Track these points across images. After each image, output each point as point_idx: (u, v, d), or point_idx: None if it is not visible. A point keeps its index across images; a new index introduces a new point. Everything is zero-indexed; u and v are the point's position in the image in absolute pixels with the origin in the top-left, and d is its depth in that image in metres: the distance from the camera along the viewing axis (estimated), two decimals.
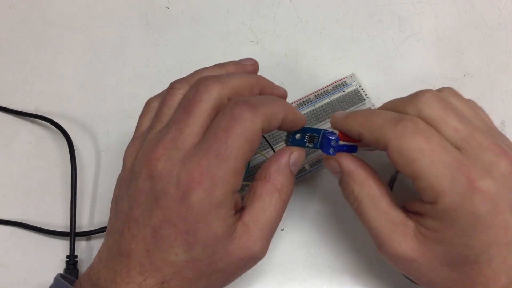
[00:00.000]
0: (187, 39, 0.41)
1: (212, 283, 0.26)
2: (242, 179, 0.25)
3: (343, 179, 0.28)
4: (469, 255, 0.24)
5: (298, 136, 0.29)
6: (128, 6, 0.42)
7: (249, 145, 0.24)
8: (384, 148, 0.25)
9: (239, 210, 0.26)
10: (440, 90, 0.28)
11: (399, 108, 0.27)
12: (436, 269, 0.25)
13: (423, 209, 0.25)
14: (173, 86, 0.28)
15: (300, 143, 0.29)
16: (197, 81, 0.26)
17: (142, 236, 0.24)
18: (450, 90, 0.28)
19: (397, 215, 0.26)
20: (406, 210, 0.26)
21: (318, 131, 0.29)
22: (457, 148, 0.24)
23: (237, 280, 0.34)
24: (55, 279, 0.28)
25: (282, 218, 0.35)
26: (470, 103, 0.28)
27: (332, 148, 0.28)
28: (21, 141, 0.38)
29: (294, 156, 0.27)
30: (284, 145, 0.31)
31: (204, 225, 0.24)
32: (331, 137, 0.28)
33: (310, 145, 0.29)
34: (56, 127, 0.37)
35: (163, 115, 0.27)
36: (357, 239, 0.35)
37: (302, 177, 0.36)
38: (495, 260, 0.24)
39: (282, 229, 0.35)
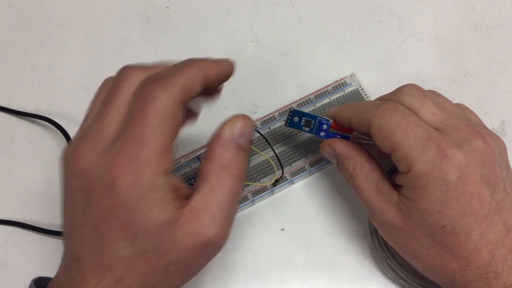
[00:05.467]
0: (187, 39, 0.41)
1: (172, 276, 0.24)
2: (172, 158, 0.23)
3: (338, 161, 0.31)
4: (445, 225, 0.25)
5: (295, 119, 0.32)
6: (128, 6, 0.42)
7: (169, 121, 0.23)
8: (368, 128, 0.28)
9: (186, 196, 0.24)
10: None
11: (384, 99, 0.30)
12: (419, 239, 0.27)
13: (401, 180, 0.27)
14: (125, 73, 0.26)
15: (297, 126, 0.32)
16: (119, 70, 0.25)
17: (85, 237, 0.23)
18: (434, 91, 0.31)
19: (385, 186, 0.28)
20: (395, 184, 0.28)
21: (314, 117, 0.32)
22: (434, 129, 0.27)
23: (237, 280, 0.34)
24: (29, 286, 0.27)
25: (282, 218, 0.35)
26: (457, 105, 0.31)
27: (323, 131, 0.32)
28: (21, 141, 0.38)
29: (238, 126, 0.25)
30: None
31: (139, 214, 0.22)
32: (323, 122, 0.32)
33: (306, 129, 0.32)
34: (56, 127, 0.37)
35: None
36: (357, 239, 0.35)
37: (302, 177, 0.36)
38: (473, 233, 0.25)
39: (282, 229, 0.35)
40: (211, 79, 0.25)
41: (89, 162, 0.23)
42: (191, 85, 0.24)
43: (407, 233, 0.27)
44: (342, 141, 0.31)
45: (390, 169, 0.34)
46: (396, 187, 0.28)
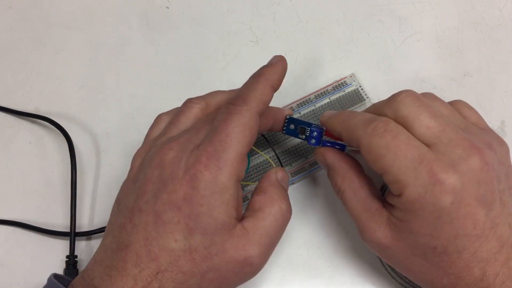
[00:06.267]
0: (187, 39, 0.41)
1: (204, 284, 0.25)
2: (245, 168, 0.27)
3: (329, 172, 0.31)
4: (437, 246, 0.25)
5: (292, 126, 0.32)
6: (128, 6, 0.42)
7: (248, 132, 0.26)
8: (358, 146, 0.27)
9: (240, 217, 0.27)
10: (421, 93, 0.29)
11: (378, 109, 0.29)
12: (409, 258, 0.26)
13: (393, 201, 0.26)
14: (190, 100, 0.30)
15: (293, 133, 0.32)
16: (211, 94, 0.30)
17: (143, 224, 0.25)
18: (429, 93, 0.30)
19: (374, 205, 0.28)
20: (386, 201, 0.28)
21: (309, 124, 0.32)
22: (428, 145, 0.25)
23: None
24: (48, 280, 0.28)
25: None
26: (457, 103, 0.30)
27: (313, 138, 0.32)
28: (21, 141, 0.38)
29: (279, 174, 0.30)
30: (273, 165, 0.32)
31: (207, 208, 0.25)
32: (314, 130, 0.32)
33: (302, 137, 0.32)
34: (56, 127, 0.37)
35: (179, 122, 0.29)
36: (357, 239, 0.35)
37: (302, 177, 0.36)
38: (465, 252, 0.25)
39: None
40: (277, 82, 0.28)
41: (175, 157, 0.26)
42: (264, 97, 0.27)
43: (397, 252, 0.27)
44: (334, 152, 0.30)
45: (383, 186, 0.33)
46: (387, 205, 0.27)
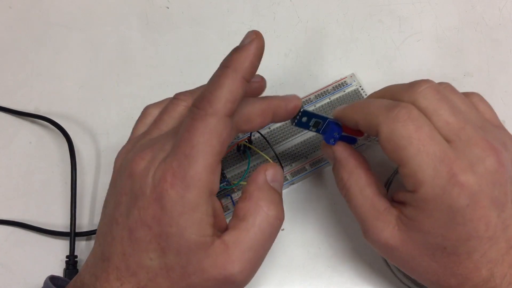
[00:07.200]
0: (187, 39, 0.41)
1: None
2: (218, 178, 0.24)
3: (335, 166, 0.29)
4: (447, 246, 0.24)
5: (304, 119, 0.29)
6: (128, 6, 0.42)
7: (216, 138, 0.23)
8: (376, 134, 0.26)
9: (222, 229, 0.25)
10: (438, 84, 0.28)
11: (395, 95, 0.27)
12: (417, 258, 0.26)
13: (405, 197, 0.25)
14: (177, 97, 0.28)
15: (305, 126, 0.30)
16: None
17: (120, 238, 0.24)
18: (447, 84, 0.28)
19: (382, 204, 0.26)
20: (393, 200, 0.27)
21: (324, 118, 0.30)
22: (447, 140, 0.25)
23: None
24: (45, 283, 0.27)
25: None
26: (472, 96, 0.29)
27: (333, 139, 0.29)
28: (21, 141, 0.38)
29: (269, 173, 0.27)
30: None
31: (177, 229, 0.23)
32: (335, 130, 0.29)
33: (313, 129, 0.30)
34: (56, 127, 0.37)
35: (162, 122, 0.27)
36: (357, 239, 0.35)
37: (302, 177, 0.36)
38: (475, 253, 0.24)
39: (282, 229, 0.35)
40: (249, 71, 0.24)
41: (145, 168, 0.24)
42: (233, 94, 0.24)
43: (404, 252, 0.26)
44: (344, 146, 0.29)
45: (387, 180, 0.33)
46: (395, 204, 0.26)
